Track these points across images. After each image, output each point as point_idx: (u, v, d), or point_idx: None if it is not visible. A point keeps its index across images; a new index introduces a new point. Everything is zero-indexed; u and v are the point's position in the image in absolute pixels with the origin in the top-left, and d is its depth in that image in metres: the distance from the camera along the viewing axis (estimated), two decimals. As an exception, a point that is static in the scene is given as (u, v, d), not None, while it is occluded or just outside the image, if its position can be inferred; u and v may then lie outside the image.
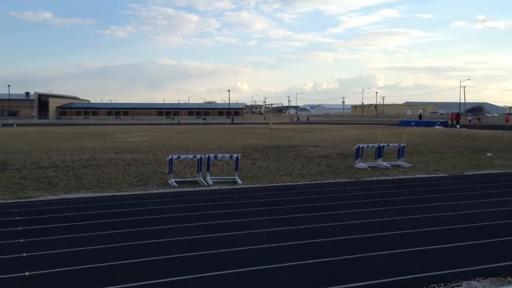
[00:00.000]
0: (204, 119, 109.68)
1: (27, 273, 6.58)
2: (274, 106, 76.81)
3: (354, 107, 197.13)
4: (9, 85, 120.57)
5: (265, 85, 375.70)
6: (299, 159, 21.51)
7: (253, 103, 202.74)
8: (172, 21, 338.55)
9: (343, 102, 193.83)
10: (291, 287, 6.35)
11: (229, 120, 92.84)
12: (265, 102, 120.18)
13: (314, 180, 15.56)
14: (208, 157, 15.33)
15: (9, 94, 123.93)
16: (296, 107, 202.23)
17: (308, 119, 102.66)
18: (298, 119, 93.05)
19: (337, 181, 15.60)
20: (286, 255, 7.61)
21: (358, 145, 19.29)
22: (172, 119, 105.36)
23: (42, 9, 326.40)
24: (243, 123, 76.76)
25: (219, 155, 16.48)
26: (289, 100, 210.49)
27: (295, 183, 15.04)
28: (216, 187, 14.16)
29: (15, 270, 6.70)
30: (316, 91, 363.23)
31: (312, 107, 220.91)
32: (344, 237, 8.69)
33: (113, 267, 6.99)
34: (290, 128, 55.94)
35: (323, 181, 15.44)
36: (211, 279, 6.52)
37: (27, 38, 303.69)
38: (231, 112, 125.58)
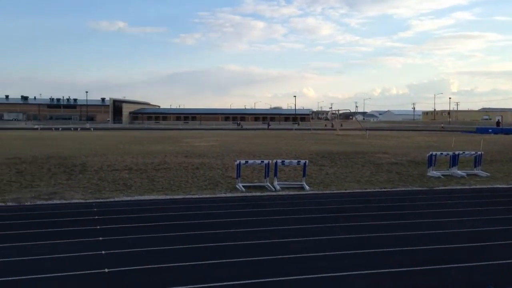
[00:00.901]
0: (238, 124, 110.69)
1: (106, 270, 6.94)
2: (341, 112, 75.73)
3: (425, 113, 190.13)
4: (87, 92, 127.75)
5: (331, 91, 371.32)
6: (367, 165, 21.09)
7: (319, 109, 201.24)
8: (238, 28, 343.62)
9: (414, 108, 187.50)
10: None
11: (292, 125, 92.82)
12: (331, 108, 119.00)
13: (384, 188, 15.20)
14: (276, 163, 15.41)
15: (87, 100, 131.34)
16: (363, 113, 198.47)
17: (341, 125, 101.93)
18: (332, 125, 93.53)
19: (408, 189, 15.15)
20: (355, 263, 7.49)
21: (431, 153, 18.62)
22: (238, 124, 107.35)
23: (118, 19, 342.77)
24: (309, 129, 76.29)
25: (287, 161, 16.52)
26: (356, 106, 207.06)
27: (364, 190, 14.77)
28: (284, 193, 14.19)
29: (95, 267, 7.09)
30: (385, 96, 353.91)
31: (381, 113, 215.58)
32: (416, 248, 8.42)
33: (183, 267, 7.21)
34: (358, 134, 54.95)
35: (393, 189, 15.05)
36: (276, 284, 6.54)
37: (103, 47, 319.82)
38: (297, 117, 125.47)
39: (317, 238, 9.03)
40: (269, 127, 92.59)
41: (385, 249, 8.27)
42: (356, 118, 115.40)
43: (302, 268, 7.20)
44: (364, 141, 41.15)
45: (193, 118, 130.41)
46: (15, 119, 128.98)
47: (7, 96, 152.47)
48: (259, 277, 6.74)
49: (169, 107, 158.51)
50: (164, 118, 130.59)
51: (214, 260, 7.52)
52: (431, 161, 18.25)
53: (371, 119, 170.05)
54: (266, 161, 15.57)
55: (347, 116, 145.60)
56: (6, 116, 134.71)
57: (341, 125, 75.00)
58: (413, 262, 7.53)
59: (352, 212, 11.52)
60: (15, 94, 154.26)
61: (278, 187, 14.72)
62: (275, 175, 15.29)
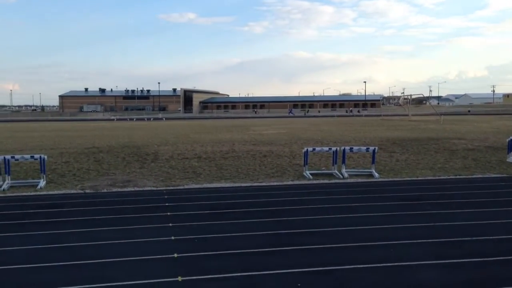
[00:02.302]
0: (255, 112, 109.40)
1: (175, 255, 7.11)
2: (413, 97, 72.80)
3: (507, 96, 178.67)
4: (159, 83, 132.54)
5: (403, 75, 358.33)
6: (441, 152, 20.15)
7: (391, 94, 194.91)
8: (306, 14, 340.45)
9: (493, 91, 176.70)
10: (434, 286, 5.93)
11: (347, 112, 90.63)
12: (403, 93, 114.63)
13: (459, 175, 14.44)
14: (344, 150, 15.09)
15: (159, 91, 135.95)
16: (438, 98, 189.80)
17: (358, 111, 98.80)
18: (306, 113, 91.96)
19: (486, 176, 14.29)
20: (427, 253, 7.15)
21: (511, 137, 17.44)
22: (255, 112, 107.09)
23: (187, 10, 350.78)
24: (379, 115, 74.29)
25: (355, 148, 16.12)
26: (430, 90, 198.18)
27: (437, 178, 14.12)
28: (352, 180, 13.89)
29: (165, 252, 7.28)
30: (461, 79, 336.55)
31: (457, 97, 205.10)
32: (494, 237, 7.91)
33: (251, 254, 7.23)
34: (432, 120, 52.74)
35: (470, 176, 14.26)
36: (346, 272, 6.39)
37: (174, 38, 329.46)
38: (366, 104, 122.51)
39: (387, 226, 8.73)
40: (291, 113, 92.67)
41: (459, 239, 7.84)
42: (430, 103, 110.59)
43: (369, 257, 6.98)
44: (438, 127, 39.41)
45: (261, 107, 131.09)
46: (93, 111, 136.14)
47: (86, 89, 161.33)
48: (326, 265, 6.61)
49: (237, 96, 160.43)
50: (233, 107, 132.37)
51: (283, 247, 7.48)
52: (511, 146, 17.09)
53: (447, 104, 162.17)
54: (334, 148, 15.29)
55: (420, 101, 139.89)
56: (85, 108, 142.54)
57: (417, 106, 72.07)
58: (488, 252, 7.09)
59: (424, 200, 11.03)
60: (93, 87, 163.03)
61: (346, 175, 14.41)
62: (343, 162, 14.98)
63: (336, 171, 14.79)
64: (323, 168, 15.97)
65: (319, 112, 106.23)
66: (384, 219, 9.31)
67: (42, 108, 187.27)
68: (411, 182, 13.49)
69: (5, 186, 12.99)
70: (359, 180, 13.92)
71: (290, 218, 9.44)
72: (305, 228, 8.70)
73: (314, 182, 13.70)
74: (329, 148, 15.77)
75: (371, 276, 6.26)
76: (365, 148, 16.10)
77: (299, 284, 5.96)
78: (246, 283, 6.06)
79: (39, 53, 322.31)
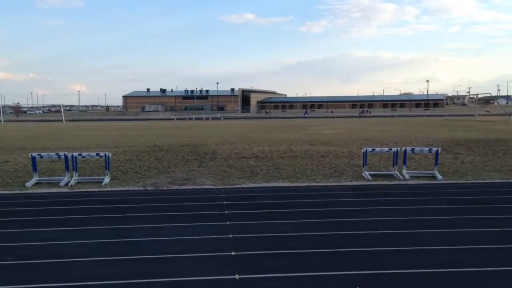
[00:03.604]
0: (266, 112, 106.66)
1: (233, 253, 7.16)
2: (480, 96, 69.62)
3: None
4: (217, 83, 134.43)
5: (468, 74, 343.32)
6: (510, 154, 19.10)
7: (455, 93, 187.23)
8: (367, 12, 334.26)
9: None
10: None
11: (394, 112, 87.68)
12: (469, 92, 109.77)
13: (531, 178, 13.61)
14: (405, 150, 14.63)
15: (217, 91, 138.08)
16: (507, 97, 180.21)
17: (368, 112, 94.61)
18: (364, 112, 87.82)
19: (561, 180, 13.38)
20: (492, 259, 6.77)
21: None
22: (266, 112, 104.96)
23: (246, 11, 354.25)
24: (443, 115, 71.63)
25: (417, 148, 15.57)
26: (498, 90, 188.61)
27: (506, 181, 13.37)
28: (413, 182, 13.43)
29: (223, 249, 7.35)
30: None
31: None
32: None
33: (309, 254, 7.14)
34: (500, 120, 50.17)
35: (542, 180, 13.40)
36: (408, 276, 6.16)
37: (233, 39, 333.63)
38: (429, 103, 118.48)
39: (450, 230, 8.36)
40: (306, 115, 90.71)
41: (532, 247, 7.37)
42: (498, 103, 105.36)
43: (431, 261, 6.70)
44: (507, 127, 37.42)
45: (319, 107, 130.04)
46: (155, 110, 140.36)
47: (148, 89, 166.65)
48: (387, 268, 6.42)
49: (295, 96, 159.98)
50: (291, 107, 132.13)
51: (343, 249, 7.35)
52: None
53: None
54: (394, 149, 14.85)
55: (487, 100, 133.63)
56: (147, 108, 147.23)
57: (488, 111, 69.00)
58: None
59: (491, 203, 10.48)
60: (154, 88, 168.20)
61: (407, 176, 13.96)
62: (404, 163, 14.52)
63: (397, 172, 14.36)
64: (383, 169, 15.56)
65: (369, 112, 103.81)
66: (447, 222, 8.93)
67: (107, 108, 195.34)
68: (477, 185, 12.87)
69: (72, 182, 13.62)
70: (421, 182, 13.44)
71: (349, 219, 9.25)
72: (365, 230, 8.49)
73: (374, 183, 13.37)
74: (389, 149, 15.35)
75: (434, 281, 6.01)
76: (427, 149, 15.53)
77: (358, 287, 5.81)
78: (304, 283, 5.99)
79: (105, 55, 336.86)
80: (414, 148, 15.43)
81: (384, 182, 13.42)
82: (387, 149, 15.81)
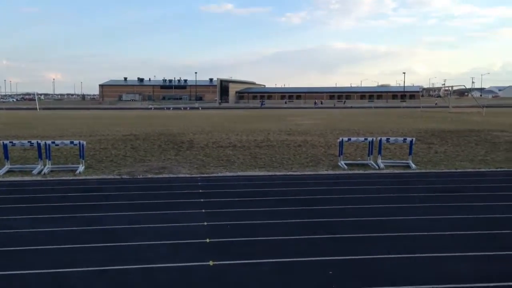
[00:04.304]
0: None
1: (208, 240, 7.16)
2: (454, 88, 70.78)
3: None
4: (196, 72, 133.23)
5: (444, 66, 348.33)
6: (482, 144, 19.53)
7: (431, 86, 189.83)
8: (345, 4, 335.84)
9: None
10: (466, 278, 5.73)
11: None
12: (444, 84, 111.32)
13: (501, 168, 13.94)
14: (380, 140, 14.81)
15: (196, 80, 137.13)
16: (481, 90, 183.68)
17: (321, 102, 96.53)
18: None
19: (530, 169, 13.73)
20: (463, 244, 6.94)
21: None
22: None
23: (226, 1, 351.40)
24: (418, 107, 72.58)
25: (392, 138, 15.78)
26: (472, 82, 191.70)
27: (477, 170, 13.67)
28: (388, 171, 13.62)
29: (198, 237, 7.35)
30: (506, 71, 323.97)
31: (501, 89, 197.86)
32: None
33: (282, 241, 7.19)
34: (473, 112, 51.15)
35: (512, 169, 13.74)
36: (376, 262, 6.27)
37: (212, 29, 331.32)
38: (405, 95, 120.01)
39: (422, 217, 8.51)
40: (262, 105, 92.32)
41: (498, 231, 7.57)
42: (472, 95, 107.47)
43: (401, 246, 6.82)
44: (480, 119, 38.21)
45: (298, 97, 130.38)
46: (132, 100, 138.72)
47: (125, 78, 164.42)
48: (357, 254, 6.51)
49: (274, 86, 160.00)
50: (269, 97, 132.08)
51: (316, 236, 7.42)
52: None
53: (490, 96, 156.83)
54: (370, 138, 15.03)
55: (462, 92, 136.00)
56: (124, 97, 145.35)
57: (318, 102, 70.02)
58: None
59: (462, 192, 10.71)
60: (132, 76, 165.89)
61: (382, 165, 14.15)
62: (379, 153, 14.71)
63: (372, 162, 14.54)
64: (359, 159, 15.73)
65: (321, 103, 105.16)
66: (420, 209, 9.09)
67: (83, 96, 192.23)
68: (450, 174, 13.13)
69: (46, 170, 13.40)
70: (395, 171, 13.64)
71: (323, 207, 9.34)
72: (339, 217, 8.59)
73: (349, 172, 13.51)
74: (365, 138, 15.52)
75: (407, 266, 6.13)
76: (402, 139, 15.75)
77: (330, 272, 5.89)
78: (276, 269, 6.03)
79: (81, 43, 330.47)
80: (389, 138, 15.64)
81: (359, 171, 13.57)
82: (362, 138, 15.99)
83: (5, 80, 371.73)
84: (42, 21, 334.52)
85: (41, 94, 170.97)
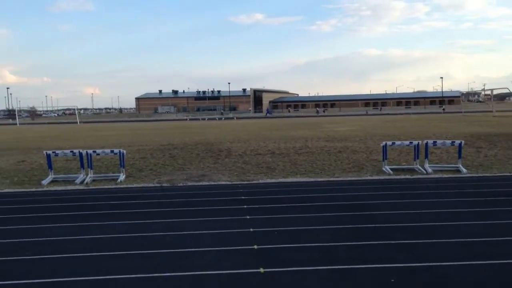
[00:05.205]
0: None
1: (255, 247, 6.87)
2: (495, 92, 68.56)
3: None
4: (229, 83, 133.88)
5: (483, 70, 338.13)
6: (534, 147, 18.56)
7: (470, 90, 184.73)
8: (376, 10, 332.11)
9: None
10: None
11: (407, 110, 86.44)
12: (483, 88, 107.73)
13: (558, 171, 13.12)
14: (426, 143, 14.22)
15: (229, 91, 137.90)
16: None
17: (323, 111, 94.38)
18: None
19: None
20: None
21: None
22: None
23: (255, 11, 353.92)
24: (459, 112, 70.58)
25: (439, 142, 15.12)
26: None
27: (532, 173, 12.90)
28: (436, 176, 13.02)
29: (245, 243, 7.06)
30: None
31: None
32: None
33: (333, 248, 6.81)
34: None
35: None
36: (442, 269, 5.81)
37: (243, 40, 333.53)
38: (444, 100, 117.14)
39: (482, 222, 7.97)
40: (267, 115, 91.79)
41: None
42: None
43: (463, 253, 6.33)
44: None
45: (332, 105, 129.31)
46: (167, 112, 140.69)
47: (160, 91, 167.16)
48: (418, 261, 6.07)
49: (307, 95, 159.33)
50: (303, 106, 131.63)
51: (368, 241, 7.01)
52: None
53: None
54: (415, 142, 14.45)
55: (502, 97, 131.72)
56: (160, 109, 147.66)
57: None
58: None
59: (522, 196, 10.05)
60: (166, 89, 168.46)
61: (429, 170, 13.55)
62: (426, 157, 14.11)
63: (419, 166, 13.95)
64: (404, 164, 15.16)
65: (324, 111, 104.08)
66: (477, 214, 8.54)
67: (120, 110, 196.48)
68: (504, 178, 12.42)
69: (88, 179, 13.45)
70: (445, 175, 13.02)
71: (374, 212, 8.90)
72: (391, 223, 8.15)
73: (395, 177, 12.99)
74: (410, 142, 14.93)
75: (466, 273, 5.65)
76: (450, 142, 15.07)
77: (392, 280, 5.48)
78: (331, 276, 5.67)
79: (117, 58, 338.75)
80: (436, 141, 15.01)
81: (406, 176, 13.04)
82: (407, 142, 15.37)
83: (46, 96, 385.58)
84: (78, 37, 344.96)
85: (80, 109, 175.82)
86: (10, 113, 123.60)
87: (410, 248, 6.70)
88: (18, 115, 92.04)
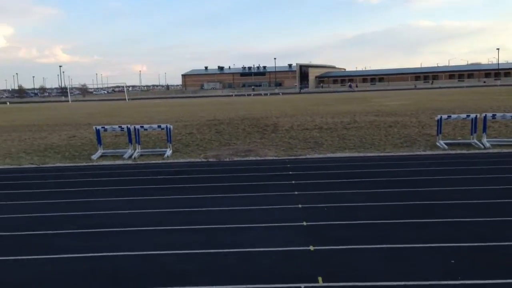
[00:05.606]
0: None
1: (304, 223, 6.62)
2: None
3: None
4: (275, 58, 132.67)
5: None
6: None
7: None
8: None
9: None
10: None
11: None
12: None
13: None
14: (485, 116, 13.41)
15: (275, 67, 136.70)
16: None
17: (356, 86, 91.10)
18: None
19: None
20: None
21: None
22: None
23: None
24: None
25: (498, 114, 14.23)
26: None
27: None
28: (496, 150, 12.29)
29: (294, 220, 6.83)
30: None
31: None
32: None
33: (387, 225, 6.46)
34: None
35: None
36: (503, 249, 5.37)
37: (289, 14, 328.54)
38: (499, 73, 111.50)
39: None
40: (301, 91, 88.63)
41: None
42: None
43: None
44: None
45: (380, 80, 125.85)
46: (213, 88, 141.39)
47: (206, 68, 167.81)
48: (481, 240, 5.64)
49: (354, 70, 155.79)
50: (350, 81, 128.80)
51: (422, 219, 6.62)
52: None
53: None
54: (472, 115, 13.65)
55: None
56: (205, 86, 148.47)
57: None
58: None
59: None
60: (212, 65, 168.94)
61: (487, 144, 12.80)
62: (484, 131, 13.32)
63: (476, 141, 13.21)
64: (459, 138, 14.40)
65: (356, 86, 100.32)
66: (544, 192, 7.93)
67: (167, 87, 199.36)
68: None
69: (135, 154, 13.57)
70: (504, 150, 12.26)
71: (428, 189, 8.44)
72: (449, 200, 7.67)
73: (451, 152, 12.35)
74: (467, 115, 14.12)
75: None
76: (510, 114, 14.15)
77: (452, 261, 5.10)
78: (386, 256, 5.35)
79: (163, 36, 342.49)
80: (495, 114, 14.14)
81: (462, 151, 12.38)
82: (464, 115, 14.55)
83: (96, 74, 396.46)
84: (126, 15, 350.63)
85: (129, 86, 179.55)
86: (62, 91, 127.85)
87: (469, 226, 6.27)
88: (70, 93, 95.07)
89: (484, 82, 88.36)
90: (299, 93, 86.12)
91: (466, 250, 5.44)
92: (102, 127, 14.47)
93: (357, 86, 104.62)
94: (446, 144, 13.19)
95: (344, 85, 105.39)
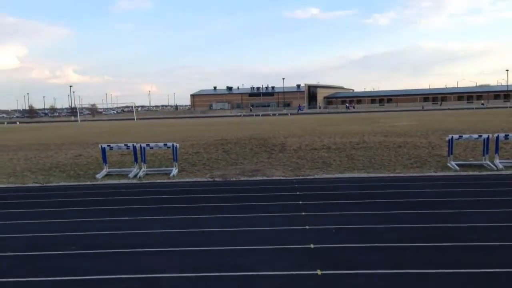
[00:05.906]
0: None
1: (312, 246, 6.36)
2: None
3: None
4: (283, 79, 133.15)
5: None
6: None
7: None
8: (437, 0, 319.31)
9: None
10: None
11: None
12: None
13: None
14: (497, 137, 13.11)
15: (283, 87, 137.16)
16: None
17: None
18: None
19: None
20: None
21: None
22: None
23: (310, 5, 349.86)
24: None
25: (511, 135, 13.94)
26: None
27: None
28: (509, 172, 11.96)
29: (300, 242, 6.57)
30: None
31: None
32: None
33: (399, 249, 6.18)
34: None
35: None
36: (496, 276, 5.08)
37: (297, 35, 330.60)
38: (509, 94, 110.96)
39: None
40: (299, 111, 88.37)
41: None
42: None
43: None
44: None
45: (389, 101, 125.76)
46: (221, 108, 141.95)
47: (215, 88, 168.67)
48: (492, 266, 5.35)
49: (363, 90, 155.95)
50: (359, 102, 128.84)
51: (437, 243, 6.33)
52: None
53: None
54: (484, 135, 13.37)
55: None
56: (214, 106, 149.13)
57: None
58: None
59: None
60: (221, 85, 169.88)
61: (500, 166, 12.47)
62: (496, 151, 13.02)
63: (488, 162, 12.90)
64: (471, 159, 14.09)
65: (353, 107, 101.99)
66: None
67: (176, 107, 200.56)
68: None
69: (141, 173, 13.39)
70: (518, 172, 11.93)
71: (442, 211, 8.15)
72: (461, 222, 7.38)
73: (463, 173, 12.04)
74: (479, 135, 13.82)
75: None
76: (523, 136, 13.82)
77: (469, 288, 4.81)
78: (398, 282, 5.07)
79: (172, 56, 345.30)
80: (507, 135, 13.81)
81: (474, 173, 12.06)
82: (476, 136, 14.25)
83: (106, 94, 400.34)
84: (136, 36, 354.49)
85: (138, 106, 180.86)
86: (72, 111, 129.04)
87: (485, 251, 5.97)
88: (79, 113, 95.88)
89: (482, 104, 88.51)
90: (297, 114, 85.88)
91: (483, 276, 5.14)
92: (107, 145, 14.33)
93: (354, 107, 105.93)
94: (457, 165, 12.89)
95: (348, 107, 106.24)
